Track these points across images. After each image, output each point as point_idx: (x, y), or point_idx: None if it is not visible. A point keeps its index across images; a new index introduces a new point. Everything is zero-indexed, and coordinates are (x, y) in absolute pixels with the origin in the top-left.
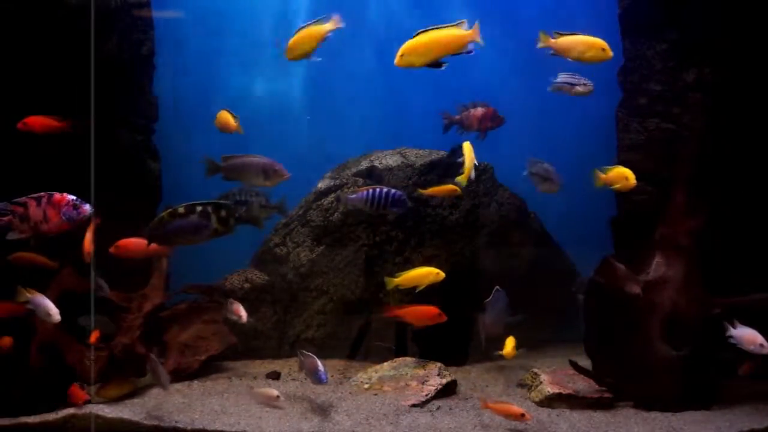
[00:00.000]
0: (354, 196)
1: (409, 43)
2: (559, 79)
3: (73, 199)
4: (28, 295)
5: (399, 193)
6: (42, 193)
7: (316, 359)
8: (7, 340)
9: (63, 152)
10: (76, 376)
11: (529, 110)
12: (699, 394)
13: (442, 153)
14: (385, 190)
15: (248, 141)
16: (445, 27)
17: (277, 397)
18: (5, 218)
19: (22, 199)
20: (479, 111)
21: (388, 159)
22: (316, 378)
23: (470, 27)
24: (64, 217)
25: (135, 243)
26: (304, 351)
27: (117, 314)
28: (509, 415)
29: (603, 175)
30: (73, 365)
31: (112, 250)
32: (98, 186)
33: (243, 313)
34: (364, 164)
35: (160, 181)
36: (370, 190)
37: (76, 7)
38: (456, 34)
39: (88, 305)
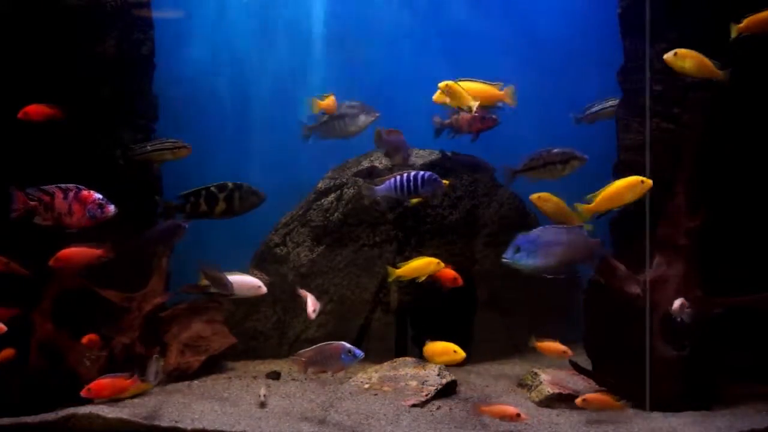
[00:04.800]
0: (381, 186)
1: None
2: (595, 108)
3: (99, 198)
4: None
5: (428, 173)
6: (71, 186)
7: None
8: (8, 352)
9: (61, 152)
10: (77, 376)
11: (530, 110)
12: (699, 394)
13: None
14: (413, 173)
15: (248, 141)
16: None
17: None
18: (32, 203)
19: (51, 187)
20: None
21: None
22: (344, 358)
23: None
24: (88, 214)
25: (77, 252)
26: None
27: (117, 314)
28: (504, 417)
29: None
30: (74, 366)
31: (51, 262)
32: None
33: (316, 305)
34: (365, 164)
35: (160, 181)
36: (397, 176)
37: (75, 7)
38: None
39: (88, 305)
